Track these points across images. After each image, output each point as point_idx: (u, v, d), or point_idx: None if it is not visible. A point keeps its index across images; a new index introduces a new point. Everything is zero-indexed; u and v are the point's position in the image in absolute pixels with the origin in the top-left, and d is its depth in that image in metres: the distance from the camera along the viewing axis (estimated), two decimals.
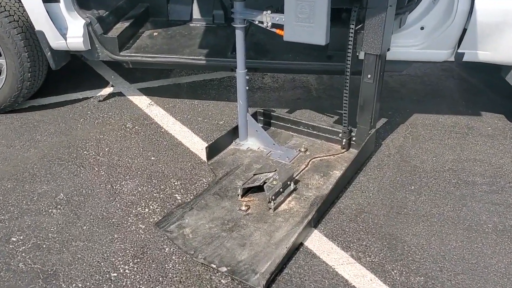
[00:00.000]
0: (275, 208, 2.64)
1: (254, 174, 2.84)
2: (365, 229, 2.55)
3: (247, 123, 3.28)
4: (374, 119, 3.14)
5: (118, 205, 2.75)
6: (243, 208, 2.65)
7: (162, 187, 2.91)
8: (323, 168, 3.05)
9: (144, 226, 2.58)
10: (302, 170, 3.02)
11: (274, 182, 2.73)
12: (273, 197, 2.64)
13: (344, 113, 3.13)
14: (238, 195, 2.75)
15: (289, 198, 2.75)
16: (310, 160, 3.12)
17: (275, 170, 2.83)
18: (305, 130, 3.41)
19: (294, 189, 2.81)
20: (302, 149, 3.23)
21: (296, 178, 2.91)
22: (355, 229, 2.55)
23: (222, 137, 3.26)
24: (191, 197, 2.80)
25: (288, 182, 2.79)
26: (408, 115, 3.81)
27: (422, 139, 3.45)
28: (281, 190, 2.72)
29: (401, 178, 2.99)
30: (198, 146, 3.36)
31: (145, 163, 3.16)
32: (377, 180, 2.97)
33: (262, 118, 3.59)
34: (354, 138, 3.21)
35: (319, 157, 3.17)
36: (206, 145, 3.16)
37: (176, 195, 2.83)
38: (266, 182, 2.75)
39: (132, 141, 3.42)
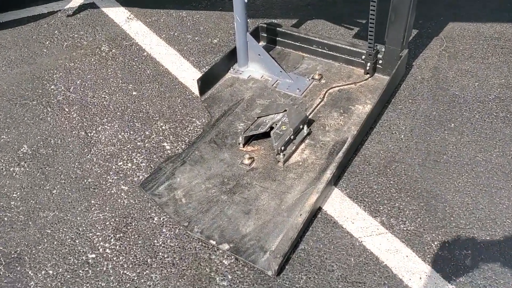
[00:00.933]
0: (285, 161, 2.15)
1: (258, 117, 2.30)
2: (397, 185, 2.08)
3: (247, 45, 2.65)
4: (407, 37, 2.50)
5: (95, 159, 2.26)
6: (246, 161, 2.16)
7: (147, 133, 2.39)
8: (342, 101, 2.49)
9: (127, 188, 2.12)
10: (317, 106, 2.47)
11: (283, 128, 2.20)
12: (282, 148, 2.14)
13: (370, 28, 2.48)
14: (239, 143, 2.24)
15: (302, 146, 2.24)
16: (326, 91, 2.55)
17: (284, 111, 2.29)
18: (319, 50, 2.78)
19: (308, 133, 2.29)
20: (316, 76, 2.64)
21: (309, 117, 2.38)
22: (385, 186, 2.09)
23: (217, 65, 2.65)
24: (183, 147, 2.30)
25: (301, 126, 2.26)
26: (443, 24, 3.13)
27: (460, 57, 2.83)
28: (291, 137, 2.20)
29: (438, 113, 2.45)
30: (188, 74, 2.77)
31: (126, 99, 2.61)
32: (409, 116, 2.43)
33: (265, 35, 2.94)
34: (380, 61, 2.60)
35: (338, 86, 2.59)
36: (198, 77, 2.57)
37: (165, 144, 2.33)
38: (273, 128, 2.22)
39: (109, 70, 2.82)
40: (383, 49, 2.56)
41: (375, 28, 2.46)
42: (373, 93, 2.52)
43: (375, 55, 2.56)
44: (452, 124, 2.38)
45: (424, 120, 2.40)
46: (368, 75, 2.64)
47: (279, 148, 2.13)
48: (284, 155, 2.15)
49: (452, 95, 2.55)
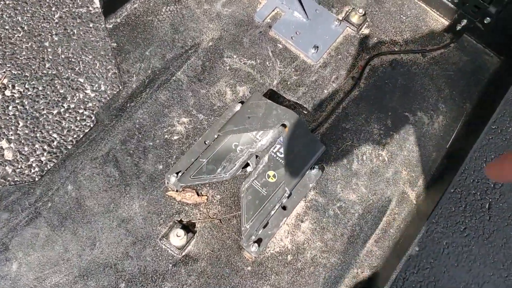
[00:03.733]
0: (260, 253, 1.01)
1: (221, 133, 1.03)
2: None
3: None
4: None
5: None
6: (175, 240, 0.98)
7: None
8: (394, 97, 1.23)
9: None
10: (344, 97, 1.20)
11: (271, 178, 0.99)
12: (254, 237, 0.97)
13: None
14: (167, 184, 1.02)
15: (301, 208, 1.07)
16: (367, 62, 1.25)
17: (280, 126, 1.02)
18: None
19: (318, 175, 1.09)
20: (354, 18, 1.28)
21: (325, 124, 1.14)
22: None
23: None
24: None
25: (309, 170, 1.05)
26: None
27: None
28: (286, 194, 1.01)
29: None
30: None
31: None
32: None
33: None
34: (486, 20, 1.27)
35: (391, 53, 1.28)
36: None
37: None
38: (247, 168, 1.01)
39: None
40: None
41: None
42: (455, 87, 1.27)
43: (485, 9, 1.22)
44: None
45: None
46: (451, 38, 1.32)
47: (251, 238, 0.96)
48: (259, 241, 0.99)
49: None
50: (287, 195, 0.99)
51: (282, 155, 1.01)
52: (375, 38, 1.29)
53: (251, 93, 1.13)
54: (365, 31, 1.30)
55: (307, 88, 1.19)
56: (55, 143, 1.05)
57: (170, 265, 0.98)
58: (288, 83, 1.19)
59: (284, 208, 1.02)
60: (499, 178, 0.44)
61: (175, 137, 1.08)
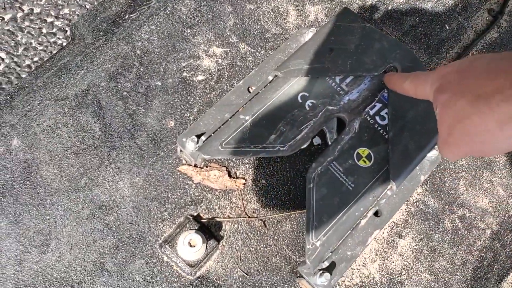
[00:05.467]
0: None
1: (277, 74, 0.59)
2: None
3: None
4: None
5: None
6: (189, 252, 0.56)
7: None
8: None
9: None
10: (476, 42, 0.74)
11: (363, 161, 0.55)
12: (327, 262, 0.54)
13: None
14: (179, 152, 0.60)
15: (399, 217, 0.64)
16: None
17: (388, 70, 0.58)
18: None
19: (437, 161, 0.65)
20: None
21: None
22: None
23: None
24: None
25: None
26: None
27: None
28: (389, 192, 0.58)
29: None
30: None
31: None
32: None
33: None
34: None
35: None
36: None
37: None
38: (319, 137, 0.56)
39: None
40: None
41: None
42: None
43: None
44: None
45: None
46: None
47: (323, 263, 0.53)
48: (331, 267, 0.56)
49: None
50: (389, 194, 0.56)
51: (386, 122, 0.57)
52: None
53: (332, 16, 0.68)
54: None
55: (418, 19, 0.74)
56: (1, 67, 0.63)
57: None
58: (389, 8, 0.74)
59: (376, 214, 0.59)
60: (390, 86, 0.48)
61: (200, 77, 0.65)
